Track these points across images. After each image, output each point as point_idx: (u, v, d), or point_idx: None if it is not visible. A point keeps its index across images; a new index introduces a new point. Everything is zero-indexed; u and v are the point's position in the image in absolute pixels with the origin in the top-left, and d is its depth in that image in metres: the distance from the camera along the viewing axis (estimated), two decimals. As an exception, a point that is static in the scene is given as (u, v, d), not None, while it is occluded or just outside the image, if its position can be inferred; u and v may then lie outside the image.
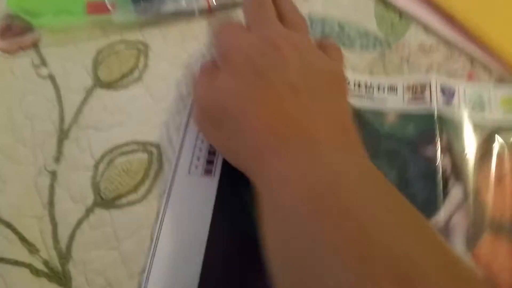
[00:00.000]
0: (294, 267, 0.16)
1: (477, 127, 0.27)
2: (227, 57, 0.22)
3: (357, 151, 0.20)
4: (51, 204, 0.24)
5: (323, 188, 0.16)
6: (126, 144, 0.26)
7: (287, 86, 0.20)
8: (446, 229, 0.23)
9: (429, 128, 0.26)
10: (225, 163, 0.25)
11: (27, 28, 0.30)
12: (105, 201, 0.24)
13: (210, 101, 0.22)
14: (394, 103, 0.28)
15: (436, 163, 0.25)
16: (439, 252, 0.16)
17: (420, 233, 0.16)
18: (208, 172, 0.24)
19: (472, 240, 0.23)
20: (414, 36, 0.31)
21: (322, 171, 0.17)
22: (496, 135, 0.26)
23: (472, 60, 0.30)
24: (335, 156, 0.18)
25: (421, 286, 0.14)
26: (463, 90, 0.28)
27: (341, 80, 0.23)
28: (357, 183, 0.17)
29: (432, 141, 0.26)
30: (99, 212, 0.24)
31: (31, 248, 0.23)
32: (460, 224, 0.24)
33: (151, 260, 0.22)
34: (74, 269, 0.22)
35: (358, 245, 0.15)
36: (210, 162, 0.25)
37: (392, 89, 0.28)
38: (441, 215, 0.24)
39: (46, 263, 0.23)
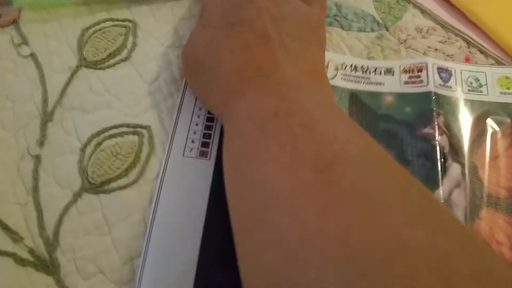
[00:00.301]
0: (241, 178, 0.17)
1: (473, 107, 0.26)
2: (204, 13, 0.24)
3: (323, 93, 0.21)
4: (35, 189, 0.23)
5: (273, 113, 0.17)
6: (115, 126, 0.25)
7: (258, 36, 0.20)
8: (446, 205, 0.23)
9: (426, 108, 0.26)
10: (221, 146, 0.24)
11: (5, 2, 0.28)
12: (93, 185, 0.23)
13: (191, 55, 0.23)
14: (391, 85, 0.27)
15: (433, 142, 0.25)
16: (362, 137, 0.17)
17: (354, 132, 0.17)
18: (203, 154, 0.23)
19: (471, 215, 0.23)
20: (411, 19, 0.30)
21: (279, 102, 0.18)
22: (489, 117, 0.26)
23: (468, 43, 0.29)
24: (297, 93, 0.19)
25: (342, 171, 0.15)
26: (460, 71, 0.28)
27: (318, 30, 0.24)
28: (313, 111, 0.18)
29: (430, 122, 0.25)
30: (88, 197, 0.23)
31: (15, 236, 0.22)
32: (459, 201, 0.24)
33: (146, 244, 0.21)
34: (62, 257, 0.21)
35: (289, 149, 0.16)
36: (205, 144, 0.24)
37: (389, 71, 0.28)
38: (441, 191, 0.23)
39: (31, 251, 0.21)
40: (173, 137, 0.24)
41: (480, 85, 0.27)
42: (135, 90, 0.26)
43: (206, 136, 0.24)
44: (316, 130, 0.17)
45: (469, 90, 0.27)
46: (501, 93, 0.27)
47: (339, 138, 0.17)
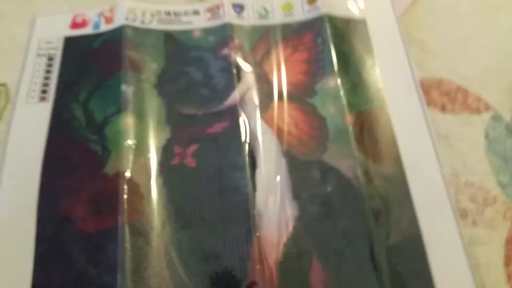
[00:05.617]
0: None
1: (261, 30, 0.35)
2: None
3: None
4: None
5: None
6: (-31, 92, 0.30)
7: None
8: (242, 103, 0.31)
9: (224, 35, 0.34)
10: (60, 88, 0.30)
11: None
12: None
13: None
14: (198, 23, 0.35)
15: (229, 60, 0.33)
16: None
17: None
18: (43, 99, 0.29)
19: (263, 108, 0.32)
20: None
21: None
22: (274, 35, 0.34)
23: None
24: None
25: None
26: (252, 5, 0.36)
27: None
28: None
29: (226, 45, 0.33)
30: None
31: None
32: (252, 99, 0.32)
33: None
34: None
35: None
36: (45, 89, 0.30)
37: (196, 12, 0.35)
38: (236, 94, 0.32)
39: None
40: (19, 87, 0.29)
41: (267, 12, 0.36)
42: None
43: (46, 79, 0.30)
44: None
45: (259, 17, 0.35)
46: (284, 15, 0.36)
47: None
